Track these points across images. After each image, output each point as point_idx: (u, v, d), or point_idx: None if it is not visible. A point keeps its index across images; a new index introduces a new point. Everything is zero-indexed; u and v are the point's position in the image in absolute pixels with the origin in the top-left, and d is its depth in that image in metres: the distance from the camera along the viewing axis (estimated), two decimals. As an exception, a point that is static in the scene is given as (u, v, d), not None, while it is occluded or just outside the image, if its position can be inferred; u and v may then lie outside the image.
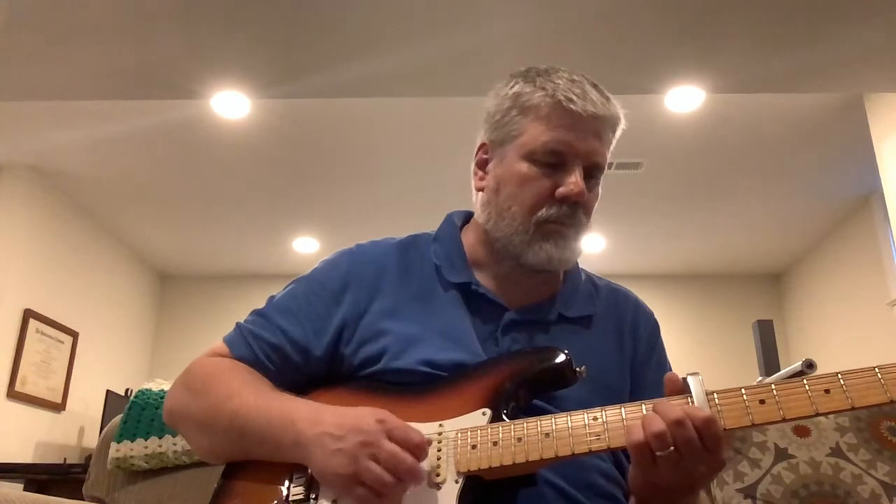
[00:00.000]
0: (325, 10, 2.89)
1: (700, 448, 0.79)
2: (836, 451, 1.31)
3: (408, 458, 0.83)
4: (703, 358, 5.91)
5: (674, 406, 0.81)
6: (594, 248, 5.95)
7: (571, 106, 1.00)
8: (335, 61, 3.16)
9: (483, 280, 1.09)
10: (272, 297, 1.10)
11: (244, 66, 3.28)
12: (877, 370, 0.78)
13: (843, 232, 5.49)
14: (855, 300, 5.31)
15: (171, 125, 4.21)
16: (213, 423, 0.98)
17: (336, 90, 3.46)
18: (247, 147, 4.46)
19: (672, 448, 0.79)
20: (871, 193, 4.93)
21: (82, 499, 1.50)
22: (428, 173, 4.62)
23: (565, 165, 1.02)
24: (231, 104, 3.84)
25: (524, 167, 1.03)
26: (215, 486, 0.98)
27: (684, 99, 3.78)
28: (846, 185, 4.91)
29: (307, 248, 6.01)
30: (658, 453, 0.79)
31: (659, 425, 0.79)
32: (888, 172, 3.85)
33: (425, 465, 0.86)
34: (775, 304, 6.46)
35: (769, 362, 3.04)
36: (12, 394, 4.56)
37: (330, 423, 0.88)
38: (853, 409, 0.78)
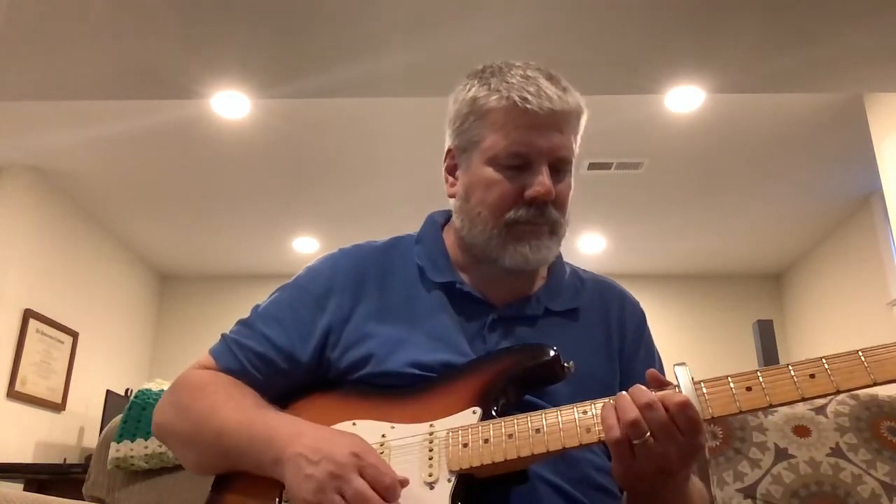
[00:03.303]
0: (325, 11, 2.89)
1: (674, 431, 0.80)
2: (836, 451, 1.31)
3: (374, 498, 0.81)
4: (703, 358, 5.90)
5: (645, 391, 0.82)
6: (594, 248, 5.95)
7: (527, 105, 0.99)
8: (335, 61, 3.16)
9: (467, 279, 1.09)
10: (257, 306, 1.10)
11: (244, 66, 3.28)
12: (860, 353, 0.80)
13: (843, 232, 5.49)
14: (855, 300, 5.31)
15: (171, 125, 4.21)
16: (197, 440, 0.98)
17: (336, 90, 3.46)
18: (247, 147, 4.46)
19: (647, 434, 0.80)
20: (871, 193, 4.93)
21: (82, 499, 1.50)
22: (427, 173, 4.59)
23: (530, 166, 1.01)
24: (231, 104, 3.84)
25: (489, 172, 1.03)
26: (206, 499, 0.98)
27: (684, 99, 3.78)
28: (846, 185, 4.91)
29: (307, 248, 6.00)
30: (635, 442, 0.80)
31: (632, 412, 0.80)
32: (888, 172, 3.85)
33: (416, 465, 0.87)
34: (775, 304, 6.46)
35: (769, 362, 3.05)
36: (12, 394, 4.56)
37: (306, 444, 0.87)
38: (838, 392, 0.80)
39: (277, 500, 0.91)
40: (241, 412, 0.96)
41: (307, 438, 0.88)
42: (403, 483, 0.85)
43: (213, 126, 4.19)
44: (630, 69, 3.25)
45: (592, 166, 4.60)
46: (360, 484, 0.82)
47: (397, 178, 4.83)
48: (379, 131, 4.32)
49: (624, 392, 0.84)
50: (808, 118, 4.12)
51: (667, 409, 0.80)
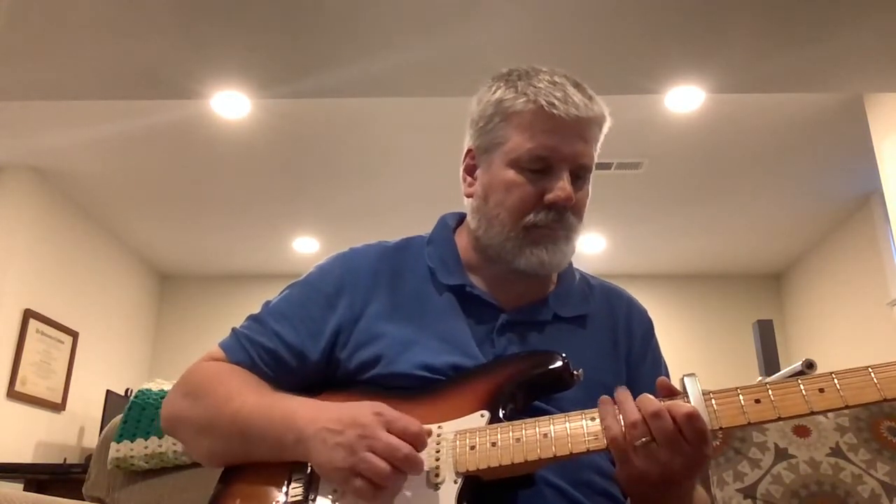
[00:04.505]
0: (326, 10, 2.89)
1: (680, 440, 0.80)
2: (836, 451, 1.31)
3: (404, 447, 0.83)
4: (703, 358, 5.91)
5: (653, 400, 0.82)
6: (594, 248, 5.94)
7: (554, 110, 1.00)
8: (335, 61, 3.16)
9: (477, 282, 1.09)
10: (267, 303, 1.11)
11: (244, 66, 3.28)
12: (870, 370, 0.80)
13: (843, 232, 5.49)
14: (855, 300, 5.31)
15: (171, 125, 4.20)
16: (213, 425, 0.98)
17: (336, 90, 3.46)
18: (247, 147, 4.46)
19: (646, 439, 0.80)
20: (871, 193, 4.93)
21: (82, 499, 1.50)
22: (428, 173, 4.62)
23: (552, 170, 1.02)
24: (231, 104, 3.84)
25: (510, 174, 1.03)
26: (213, 491, 0.98)
27: (684, 99, 3.78)
28: (846, 185, 4.91)
29: (307, 249, 6.01)
30: (636, 443, 0.80)
31: (634, 415, 0.81)
32: (888, 172, 3.85)
33: (423, 465, 0.87)
34: (775, 304, 6.46)
35: (769, 362, 3.05)
36: (12, 394, 4.56)
37: (329, 418, 0.88)
38: (847, 407, 0.80)
39: (285, 489, 0.92)
40: (259, 396, 0.97)
41: (328, 413, 0.90)
42: (428, 432, 0.87)
43: (213, 126, 4.19)
44: (630, 69, 3.25)
45: (592, 166, 4.60)
46: (389, 437, 0.84)
47: (397, 178, 4.83)
48: (379, 131, 4.33)
49: (628, 393, 0.84)
50: (808, 118, 4.12)
51: (674, 419, 0.80)
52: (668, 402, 0.82)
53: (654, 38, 3.09)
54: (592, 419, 0.85)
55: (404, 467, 0.83)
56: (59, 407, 5.06)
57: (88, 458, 2.90)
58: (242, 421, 0.95)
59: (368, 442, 0.84)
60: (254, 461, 0.96)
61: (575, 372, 0.94)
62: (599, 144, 1.08)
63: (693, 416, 0.80)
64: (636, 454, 0.81)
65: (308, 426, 0.89)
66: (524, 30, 3.02)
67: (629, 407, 0.82)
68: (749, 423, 0.82)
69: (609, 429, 0.82)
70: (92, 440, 5.26)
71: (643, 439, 0.80)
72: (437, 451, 0.88)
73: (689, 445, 0.80)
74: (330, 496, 0.89)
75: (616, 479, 0.90)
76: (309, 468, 0.92)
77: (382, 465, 0.82)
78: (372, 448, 0.83)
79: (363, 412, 0.87)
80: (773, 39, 3.06)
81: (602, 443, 0.84)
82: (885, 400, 0.79)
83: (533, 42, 3.08)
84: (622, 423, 0.82)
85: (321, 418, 0.89)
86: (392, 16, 2.93)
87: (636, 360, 1.10)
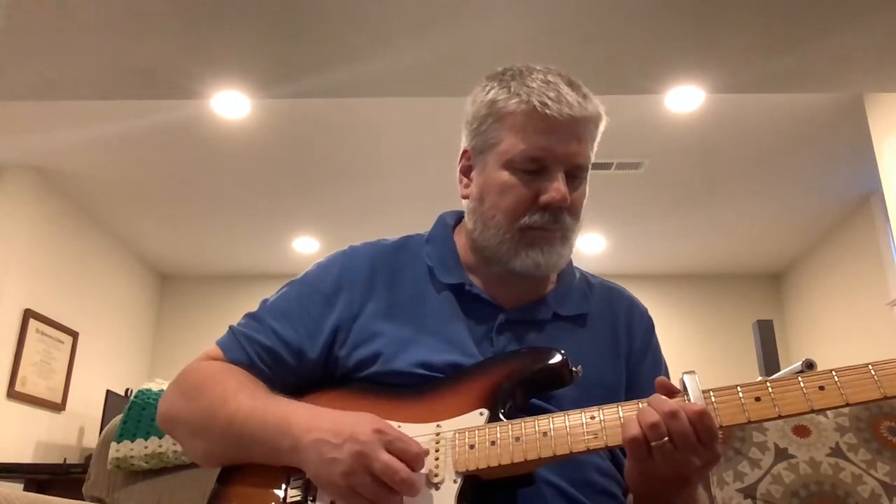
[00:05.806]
0: (325, 10, 2.89)
1: (694, 440, 0.80)
2: (836, 451, 1.31)
3: (403, 469, 0.82)
4: (703, 358, 5.90)
5: (667, 400, 0.82)
6: (594, 249, 5.95)
7: (547, 111, 0.99)
8: (335, 61, 3.16)
9: (476, 281, 1.09)
10: (265, 301, 1.10)
11: (244, 66, 3.28)
12: (870, 367, 0.80)
13: (843, 232, 5.49)
14: (855, 300, 5.31)
15: (171, 125, 4.21)
16: (208, 427, 0.97)
17: (336, 90, 3.46)
18: (247, 147, 4.46)
19: (667, 439, 0.79)
20: (871, 193, 4.93)
21: (82, 499, 1.50)
22: (428, 173, 4.62)
23: (546, 171, 1.01)
24: (231, 104, 3.84)
25: (505, 176, 1.02)
26: (211, 491, 0.98)
27: (684, 99, 3.79)
28: (846, 185, 4.91)
29: (307, 248, 6.01)
30: (653, 444, 0.80)
31: (653, 416, 0.80)
32: (888, 172, 3.85)
33: (420, 488, 0.86)
34: (775, 304, 6.46)
35: (769, 362, 3.05)
36: (12, 394, 4.56)
37: (326, 429, 0.87)
38: (847, 405, 0.80)
39: (284, 489, 0.91)
40: (254, 399, 0.96)
41: (325, 423, 0.88)
42: (426, 451, 0.86)
43: (213, 126, 4.19)
44: (630, 69, 3.25)
45: (592, 166, 4.59)
46: (388, 457, 0.83)
47: (397, 178, 4.83)
48: (379, 131, 4.33)
49: (647, 406, 0.83)
50: (808, 118, 4.12)
51: (686, 417, 0.80)
52: (679, 401, 0.82)
53: (654, 38, 3.09)
54: (592, 417, 0.85)
55: (402, 490, 0.82)
56: (59, 407, 5.06)
57: (88, 458, 2.90)
58: (237, 424, 0.94)
59: (366, 461, 0.83)
60: (252, 462, 0.95)
61: (574, 368, 0.94)
62: (596, 143, 1.08)
63: (703, 414, 0.79)
64: (653, 454, 0.81)
65: (304, 434, 0.88)
66: (524, 30, 3.02)
67: (646, 409, 0.82)
68: (749, 421, 0.81)
69: (630, 428, 0.81)
70: (92, 440, 5.26)
71: (663, 440, 0.80)
72: (437, 451, 0.88)
73: (701, 444, 0.80)
74: (329, 498, 0.88)
75: (626, 476, 0.90)
76: None
77: (380, 487, 0.82)
78: (369, 469, 0.82)
79: (362, 427, 0.85)
80: (774, 39, 3.06)
81: (602, 441, 0.83)
82: (886, 398, 0.78)
83: (532, 42, 3.08)
84: (641, 423, 0.81)
85: (317, 427, 0.88)
86: (392, 16, 2.93)
87: (636, 360, 1.10)
